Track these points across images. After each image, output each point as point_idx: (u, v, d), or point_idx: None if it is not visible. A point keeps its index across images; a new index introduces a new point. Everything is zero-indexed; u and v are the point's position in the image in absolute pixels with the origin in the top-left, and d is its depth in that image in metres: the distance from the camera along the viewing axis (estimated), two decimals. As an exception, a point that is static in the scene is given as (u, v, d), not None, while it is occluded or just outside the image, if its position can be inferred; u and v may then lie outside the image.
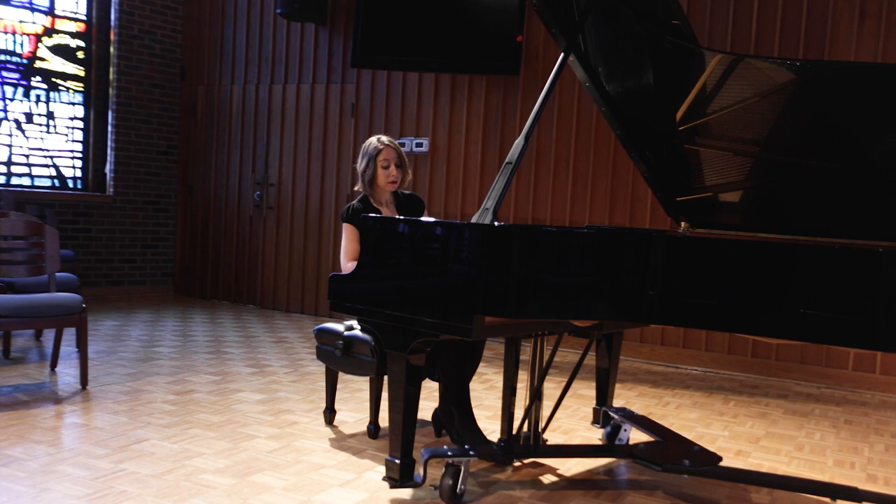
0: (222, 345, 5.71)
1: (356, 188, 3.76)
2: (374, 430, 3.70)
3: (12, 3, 7.43)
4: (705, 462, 3.02)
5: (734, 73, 3.41)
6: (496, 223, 2.69)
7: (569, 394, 4.78)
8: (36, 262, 4.43)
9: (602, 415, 3.81)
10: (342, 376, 4.17)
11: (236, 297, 7.90)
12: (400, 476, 2.92)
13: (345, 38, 7.15)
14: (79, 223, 7.51)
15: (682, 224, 3.76)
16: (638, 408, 4.55)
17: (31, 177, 7.61)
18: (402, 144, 6.89)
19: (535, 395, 3.29)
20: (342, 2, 7.17)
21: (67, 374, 4.54)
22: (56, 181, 7.75)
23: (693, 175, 3.69)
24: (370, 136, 6.98)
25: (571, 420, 4.22)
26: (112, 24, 7.80)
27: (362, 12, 6.56)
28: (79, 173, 7.89)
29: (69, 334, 5.27)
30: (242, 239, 7.87)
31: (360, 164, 3.72)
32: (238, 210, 7.88)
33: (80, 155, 7.89)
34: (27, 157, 7.57)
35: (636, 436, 3.78)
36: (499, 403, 4.19)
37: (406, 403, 2.91)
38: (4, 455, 3.16)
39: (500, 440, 3.41)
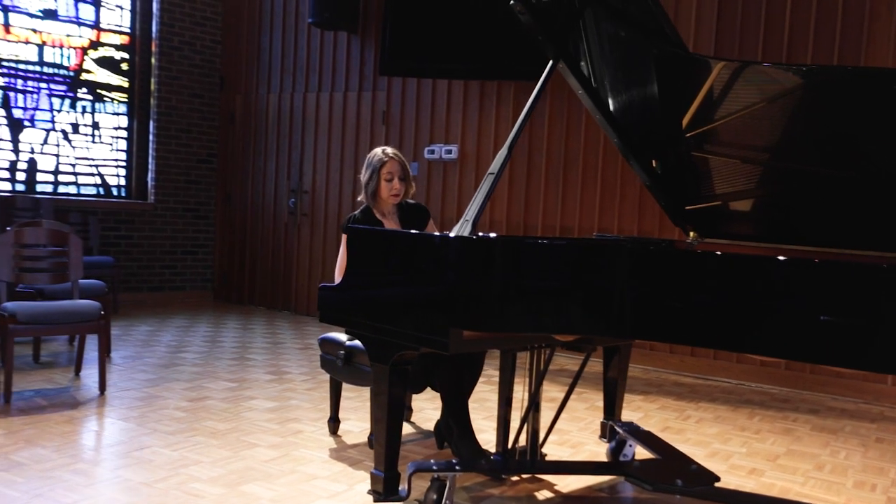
0: (247, 351, 5.78)
1: (359, 198, 3.75)
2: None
3: (60, 17, 7.69)
4: (700, 482, 2.91)
5: (740, 78, 3.30)
6: (473, 235, 2.63)
7: (584, 405, 4.70)
8: (61, 270, 4.55)
9: (608, 429, 3.71)
10: (354, 386, 4.17)
11: (271, 303, 8.00)
12: (384, 490, 2.90)
13: (376, 46, 7.18)
14: (121, 230, 7.72)
15: (691, 234, 3.65)
16: (656, 421, 4.43)
17: (77, 185, 7.86)
18: (432, 151, 6.89)
19: (531, 407, 3.22)
20: (373, 10, 7.21)
21: (90, 379, 4.65)
22: (101, 189, 7.99)
23: (702, 183, 3.58)
24: (401, 142, 7.03)
25: (583, 434, 4.13)
26: (154, 36, 8.00)
27: (390, 20, 6.58)
28: (123, 181, 8.11)
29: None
30: (277, 245, 7.97)
31: (364, 175, 3.69)
32: (273, 217, 7.98)
33: (123, 164, 8.12)
34: (73, 166, 7.82)
35: (644, 452, 3.67)
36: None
37: (390, 416, 2.88)
38: (9, 460, 3.24)
39: (495, 454, 3.35)
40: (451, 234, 2.66)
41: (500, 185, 6.55)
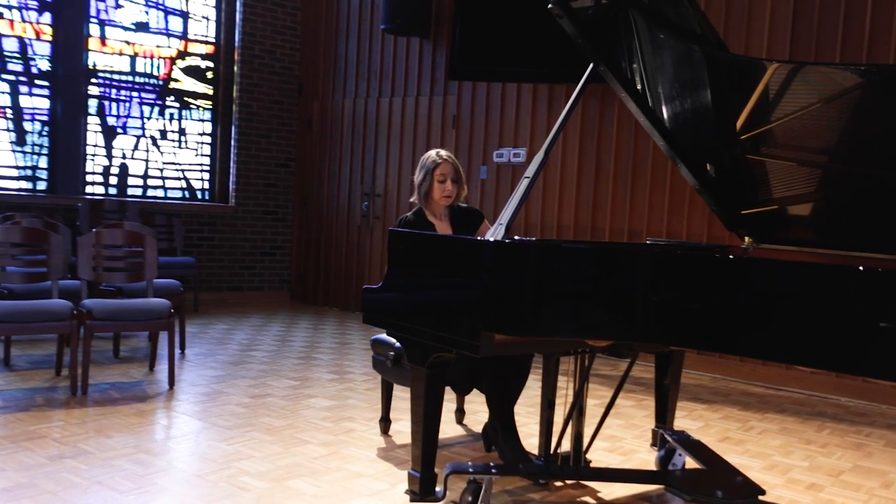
0: (315, 350, 5.93)
1: (412, 199, 3.80)
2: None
3: (151, 30, 8.08)
4: (742, 495, 2.83)
5: (796, 78, 3.20)
6: (506, 240, 2.65)
7: (643, 412, 4.62)
8: (137, 269, 4.79)
9: (659, 437, 3.65)
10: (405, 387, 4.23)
11: (344, 304, 8.17)
12: (420, 490, 2.94)
13: (447, 51, 7.25)
14: (203, 232, 8.04)
15: (746, 239, 3.55)
16: (716, 431, 4.32)
17: (164, 189, 8.24)
18: (501, 155, 6.90)
19: (573, 412, 3.20)
20: (444, 16, 7.28)
21: (163, 374, 4.87)
22: (186, 193, 8.35)
23: (757, 187, 3.48)
24: (470, 146, 7.07)
25: (637, 441, 4.07)
26: (236, 45, 8.30)
27: (459, 25, 6.63)
28: (206, 185, 8.46)
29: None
30: (351, 248, 8.14)
31: (418, 177, 3.74)
32: (347, 220, 8.16)
33: (207, 168, 8.46)
34: (161, 170, 8.20)
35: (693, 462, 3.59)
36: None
37: (426, 417, 2.92)
38: (78, 448, 3.44)
39: (536, 458, 3.34)
40: (486, 238, 2.68)
41: (566, 189, 6.51)
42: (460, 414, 4.22)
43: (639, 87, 3.21)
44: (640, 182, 6.15)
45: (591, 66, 2.93)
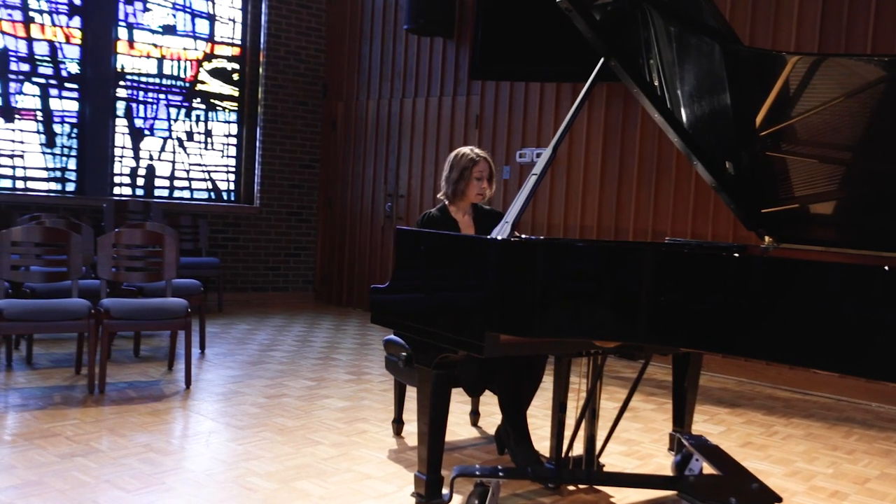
0: (335, 351, 5.92)
1: (439, 195, 3.77)
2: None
3: (178, 32, 8.16)
4: (759, 502, 2.74)
5: (818, 72, 3.10)
6: (511, 238, 2.59)
7: (663, 416, 4.52)
8: (155, 269, 4.81)
9: (676, 442, 3.56)
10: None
11: (367, 305, 8.15)
12: (427, 493, 2.89)
13: (470, 50, 7.20)
14: (228, 233, 8.09)
15: (767, 239, 3.45)
16: (738, 436, 4.21)
17: (191, 190, 8.30)
18: (523, 155, 6.84)
19: (584, 415, 3.13)
20: (468, 15, 7.23)
21: (182, 374, 4.89)
22: (212, 194, 8.41)
23: (778, 185, 3.38)
24: (493, 146, 7.01)
25: (655, 445, 3.98)
26: (262, 47, 8.34)
27: (481, 24, 6.58)
28: (232, 186, 8.51)
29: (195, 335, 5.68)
30: (375, 249, 8.12)
31: (452, 173, 3.69)
32: (371, 221, 8.15)
33: (233, 169, 8.51)
34: (187, 171, 8.27)
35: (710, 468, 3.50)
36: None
37: (433, 419, 2.88)
38: (89, 446, 3.46)
39: (548, 461, 3.28)
40: (492, 237, 2.63)
41: (590, 189, 6.42)
42: (475, 416, 4.17)
43: (655, 83, 3.13)
44: (664, 182, 6.05)
45: (602, 60, 2.86)
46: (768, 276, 2.22)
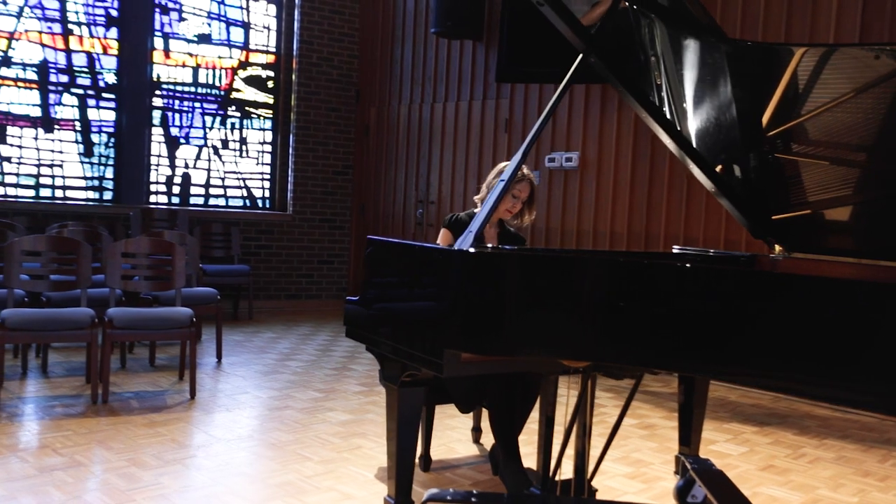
0: (353, 361, 5.80)
1: (476, 198, 3.65)
2: (424, 461, 3.53)
3: (213, 41, 8.21)
4: (750, 538, 2.49)
5: (828, 65, 2.84)
6: (472, 248, 2.41)
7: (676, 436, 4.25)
8: (164, 278, 4.78)
9: (681, 465, 3.31)
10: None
11: (399, 313, 8.03)
12: (395, 518, 2.74)
13: (499, 53, 7.02)
14: (261, 240, 8.09)
15: (777, 248, 3.19)
16: (760, 458, 3.93)
17: (226, 197, 8.34)
18: (552, 159, 6.62)
19: (569, 433, 2.92)
20: (495, 17, 7.06)
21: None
22: (247, 201, 8.43)
23: (788, 189, 3.12)
24: (521, 151, 6.79)
25: (665, 467, 3.74)
26: (294, 53, 8.33)
27: (506, 26, 6.40)
28: (267, 194, 8.52)
29: (211, 345, 5.65)
30: (408, 256, 8.00)
31: (495, 182, 3.56)
32: (403, 227, 8.04)
33: (268, 177, 8.52)
34: (222, 179, 8.31)
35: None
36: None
37: (400, 439, 2.72)
38: (73, 459, 3.41)
39: (533, 486, 3.08)
40: (455, 247, 2.46)
41: (620, 193, 6.17)
42: (477, 433, 3.99)
43: (644, 82, 2.92)
44: (696, 187, 5.74)
45: (581, 57, 2.66)
46: (733, 288, 1.99)
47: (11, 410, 4.11)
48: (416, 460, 3.59)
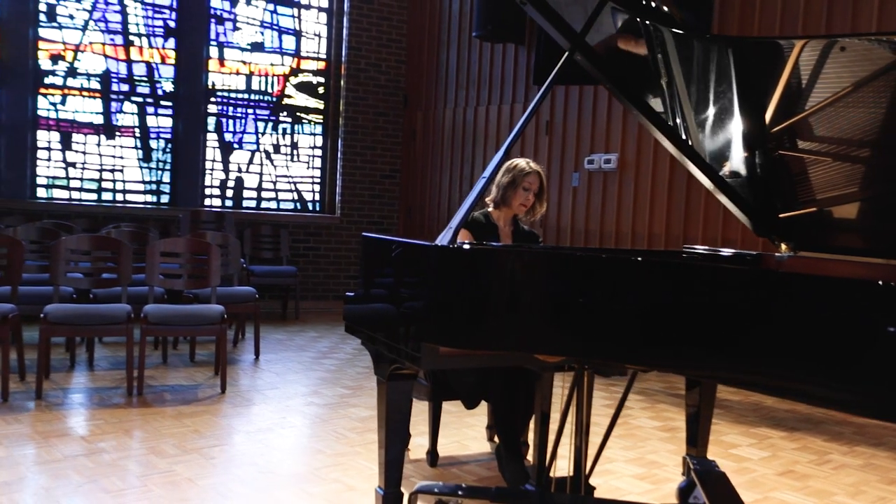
0: (387, 360, 5.88)
1: (487, 199, 3.70)
2: (431, 457, 3.58)
3: (266, 49, 8.46)
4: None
5: (829, 58, 2.78)
6: (450, 244, 2.45)
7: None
8: (201, 276, 4.97)
9: (686, 466, 3.28)
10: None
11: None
12: (384, 509, 2.79)
13: (535, 55, 7.03)
14: (309, 242, 8.28)
15: (783, 247, 3.12)
16: (780, 463, 3.84)
17: (277, 200, 8.57)
18: (591, 161, 6.58)
19: (562, 428, 2.93)
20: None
21: (227, 378, 4.99)
22: (298, 204, 8.64)
23: (795, 186, 3.05)
24: (562, 153, 6.80)
25: (679, 468, 3.68)
26: (343, 59, 8.51)
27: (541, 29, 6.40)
28: (317, 197, 8.71)
29: (250, 342, 5.82)
30: (452, 258, 8.06)
31: (504, 178, 3.61)
32: (448, 230, 8.10)
33: (318, 180, 8.71)
34: (274, 183, 8.55)
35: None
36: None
37: (389, 431, 2.78)
38: (96, 447, 3.59)
39: (530, 482, 3.09)
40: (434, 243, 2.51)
41: (659, 196, 6.10)
42: (491, 431, 4.00)
43: (663, 79, 2.90)
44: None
45: (566, 55, 2.68)
46: (702, 283, 1.98)
47: (53, 399, 4.34)
48: (424, 455, 3.66)
